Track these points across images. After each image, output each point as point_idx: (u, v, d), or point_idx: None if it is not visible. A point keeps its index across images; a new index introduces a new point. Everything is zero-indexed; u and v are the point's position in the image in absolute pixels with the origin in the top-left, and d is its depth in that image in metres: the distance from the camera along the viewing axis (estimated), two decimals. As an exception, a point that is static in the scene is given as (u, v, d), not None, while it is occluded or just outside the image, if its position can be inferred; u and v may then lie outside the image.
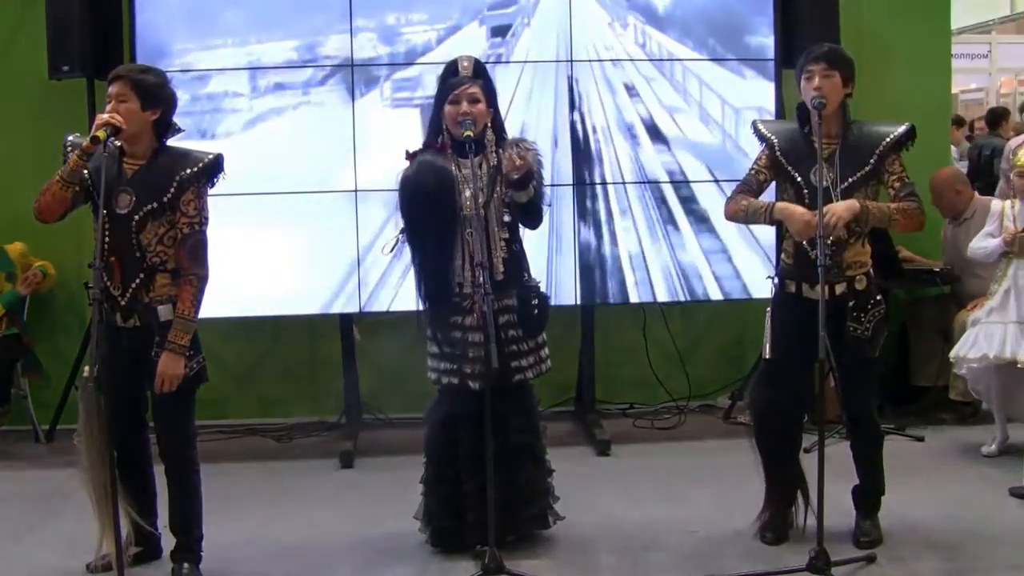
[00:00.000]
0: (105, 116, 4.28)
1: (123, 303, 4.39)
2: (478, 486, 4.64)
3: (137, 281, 4.38)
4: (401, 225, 4.80)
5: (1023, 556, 4.75)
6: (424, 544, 4.93)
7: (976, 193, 7.09)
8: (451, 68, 4.80)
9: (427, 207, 4.67)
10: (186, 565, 4.54)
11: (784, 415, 4.84)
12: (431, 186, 4.66)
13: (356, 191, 6.45)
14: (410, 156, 4.77)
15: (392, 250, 4.87)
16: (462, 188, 4.71)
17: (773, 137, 4.79)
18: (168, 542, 4.65)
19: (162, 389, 4.37)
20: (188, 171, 4.39)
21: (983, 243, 6.08)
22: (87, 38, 6.36)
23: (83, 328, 6.77)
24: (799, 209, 4.59)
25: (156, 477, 4.69)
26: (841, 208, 4.51)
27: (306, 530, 5.26)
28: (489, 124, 4.78)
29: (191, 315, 4.40)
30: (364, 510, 5.53)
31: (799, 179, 4.69)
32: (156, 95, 4.39)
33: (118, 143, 4.37)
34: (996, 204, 6.28)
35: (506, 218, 4.78)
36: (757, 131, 4.88)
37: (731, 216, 4.84)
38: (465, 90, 4.70)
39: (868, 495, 4.92)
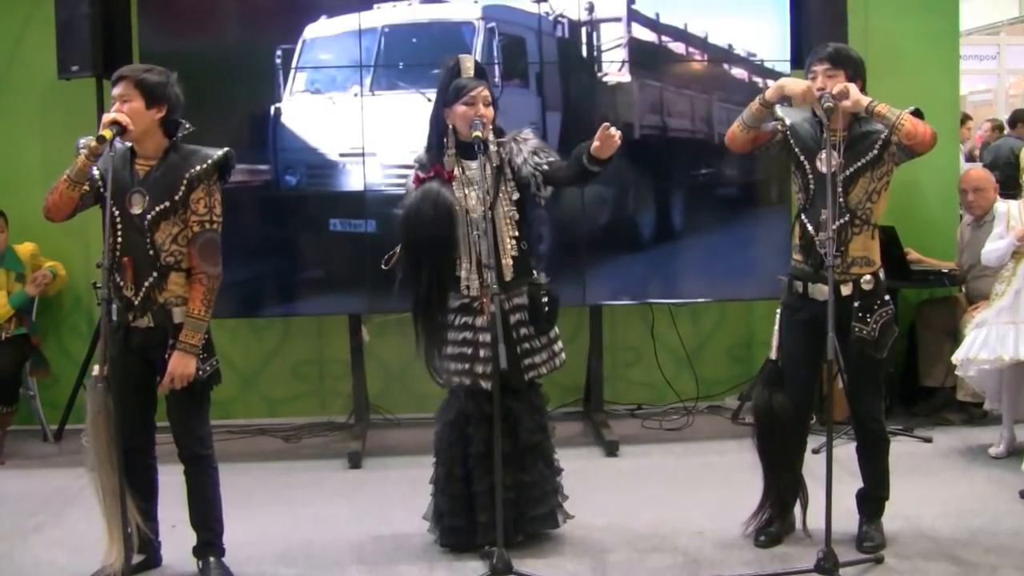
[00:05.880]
0: (111, 115, 4.30)
1: (136, 302, 4.40)
2: (489, 486, 4.65)
3: (150, 280, 4.39)
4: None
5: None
6: (432, 544, 4.94)
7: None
8: (455, 69, 4.81)
9: (423, 240, 4.70)
10: (212, 559, 4.59)
11: (786, 417, 4.83)
12: (429, 218, 4.68)
13: (365, 191, 6.46)
14: (417, 180, 4.79)
15: (391, 264, 4.87)
16: (468, 191, 4.73)
17: (787, 119, 4.83)
18: (187, 539, 4.66)
19: (172, 387, 4.39)
20: (197, 168, 4.41)
21: (994, 245, 6.07)
22: (96, 37, 6.37)
23: (91, 328, 6.82)
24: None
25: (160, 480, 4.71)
26: (852, 86, 4.57)
27: (314, 530, 5.27)
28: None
29: (202, 314, 4.41)
30: (372, 510, 5.53)
31: (805, 164, 4.73)
32: (160, 93, 4.40)
33: (128, 143, 4.39)
34: (1001, 205, 6.28)
35: (517, 216, 4.79)
36: (774, 115, 4.87)
37: (731, 135, 4.84)
38: (480, 92, 4.73)
39: (872, 499, 4.91)
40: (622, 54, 6.62)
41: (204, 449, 4.59)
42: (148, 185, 4.40)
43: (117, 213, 4.34)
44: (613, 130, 4.52)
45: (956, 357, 6.09)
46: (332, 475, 6.20)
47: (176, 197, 4.39)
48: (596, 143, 4.54)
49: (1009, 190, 6.97)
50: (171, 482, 4.64)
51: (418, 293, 4.78)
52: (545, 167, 4.74)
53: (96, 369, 4.41)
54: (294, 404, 7.27)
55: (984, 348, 5.92)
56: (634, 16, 6.60)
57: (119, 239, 4.36)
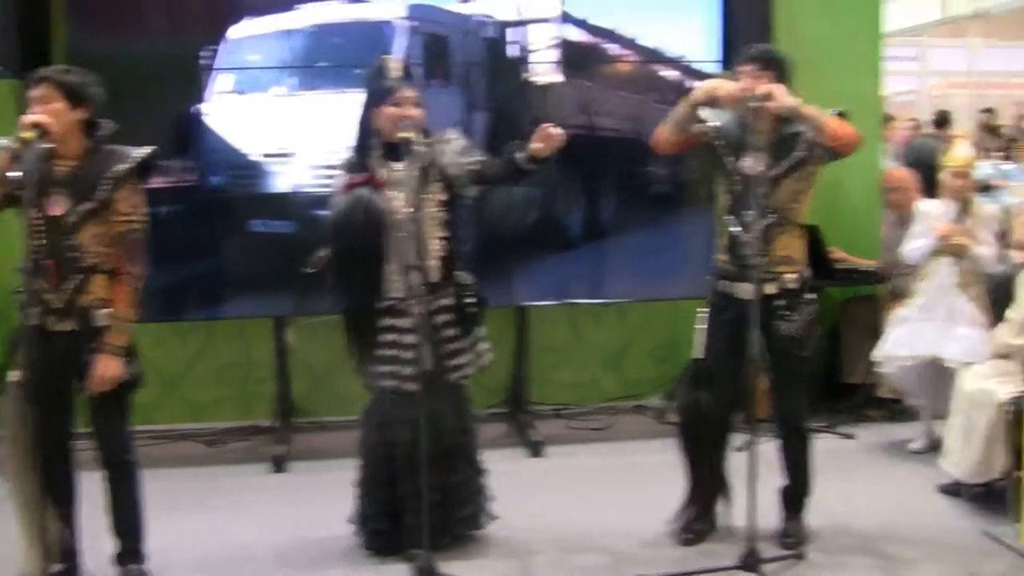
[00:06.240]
0: (32, 117, 4.22)
1: (59, 306, 4.33)
2: (414, 488, 4.62)
3: (74, 283, 4.33)
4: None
5: (948, 550, 4.84)
6: (358, 547, 4.91)
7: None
8: (381, 70, 4.79)
9: (355, 248, 4.69)
10: (133, 567, 4.54)
11: (711, 416, 4.87)
12: (360, 226, 4.66)
13: (289, 192, 6.41)
14: (347, 185, 4.76)
15: (318, 267, 4.84)
16: (394, 193, 4.70)
17: (713, 120, 4.85)
18: (108, 547, 4.60)
19: (99, 390, 4.33)
20: (120, 168, 4.35)
21: (915, 243, 6.15)
22: (17, 39, 6.25)
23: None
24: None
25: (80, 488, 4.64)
26: (778, 87, 4.59)
27: (238, 535, 5.22)
28: None
29: (128, 315, 4.36)
30: (297, 514, 5.49)
31: (731, 165, 4.76)
32: (82, 93, 4.34)
33: (47, 145, 4.32)
34: (922, 205, 6.36)
35: (444, 216, 4.78)
36: (700, 117, 4.90)
37: (657, 137, 4.89)
38: (407, 94, 4.72)
39: (795, 496, 4.96)
40: (551, 54, 6.62)
41: (126, 454, 4.53)
42: (70, 186, 4.33)
43: (38, 216, 4.28)
44: (554, 129, 4.53)
45: (876, 354, 6.17)
46: (256, 479, 6.14)
47: (99, 198, 4.33)
48: (538, 144, 4.54)
49: (930, 190, 7.06)
50: (92, 489, 4.57)
51: (351, 300, 4.76)
52: (474, 166, 4.74)
53: (14, 376, 4.34)
54: (218, 408, 7.17)
55: (903, 345, 6.01)
56: (564, 17, 6.61)
57: (41, 242, 4.30)
